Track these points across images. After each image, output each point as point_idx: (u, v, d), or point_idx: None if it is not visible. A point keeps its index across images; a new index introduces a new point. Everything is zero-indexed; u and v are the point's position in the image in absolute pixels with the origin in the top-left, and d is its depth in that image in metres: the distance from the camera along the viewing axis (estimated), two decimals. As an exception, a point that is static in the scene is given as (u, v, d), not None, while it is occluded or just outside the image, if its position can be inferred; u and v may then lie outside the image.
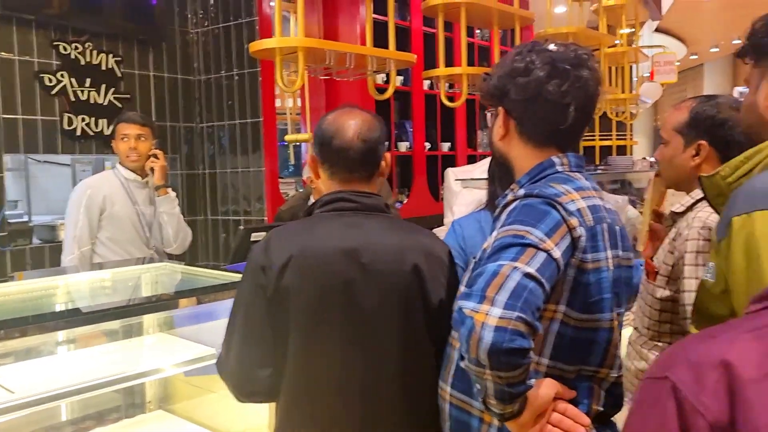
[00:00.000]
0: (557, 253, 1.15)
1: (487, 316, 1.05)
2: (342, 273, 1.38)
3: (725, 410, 0.54)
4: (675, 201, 1.82)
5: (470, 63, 4.44)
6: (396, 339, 1.39)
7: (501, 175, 1.62)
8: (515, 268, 1.09)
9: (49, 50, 3.93)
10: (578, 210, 1.22)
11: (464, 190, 3.21)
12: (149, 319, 2.34)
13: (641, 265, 1.78)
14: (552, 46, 1.34)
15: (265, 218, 4.32)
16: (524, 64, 1.30)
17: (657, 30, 11.67)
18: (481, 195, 3.06)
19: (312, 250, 1.39)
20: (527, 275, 1.09)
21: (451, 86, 4.78)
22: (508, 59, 1.35)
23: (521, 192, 1.26)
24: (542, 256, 1.13)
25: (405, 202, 5.30)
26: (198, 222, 4.65)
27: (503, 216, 1.23)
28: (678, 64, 11.10)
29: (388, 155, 1.53)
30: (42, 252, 3.96)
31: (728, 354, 0.57)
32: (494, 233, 1.21)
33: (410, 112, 5.33)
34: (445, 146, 5.71)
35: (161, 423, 2.35)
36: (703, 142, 1.69)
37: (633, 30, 5.85)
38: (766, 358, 0.55)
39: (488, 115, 1.45)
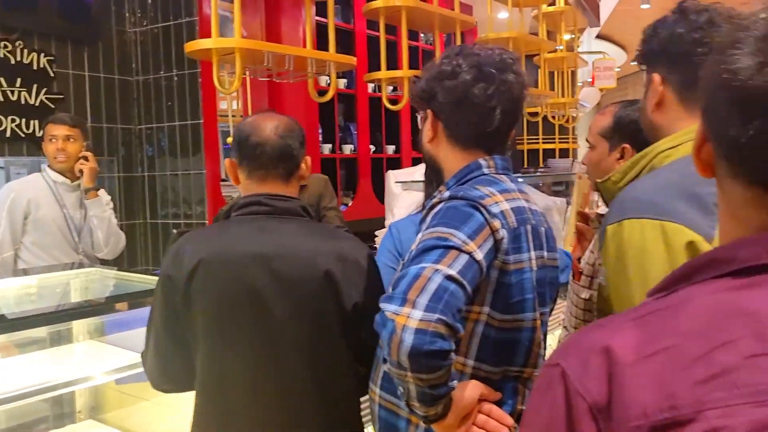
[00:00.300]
0: (479, 255, 1.16)
1: (407, 318, 1.06)
2: (251, 278, 1.36)
3: (604, 393, 0.57)
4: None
5: (414, 66, 4.47)
6: (308, 344, 1.39)
7: (432, 178, 1.65)
8: (437, 270, 1.10)
9: (-24, 48, 3.77)
10: (501, 212, 1.24)
11: (405, 192, 3.23)
12: (78, 326, 2.27)
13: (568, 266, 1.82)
14: (479, 50, 1.36)
15: (206, 222, 4.25)
16: (451, 67, 1.32)
17: (598, 37, 11.99)
18: (421, 197, 3.08)
19: (221, 255, 1.39)
20: (448, 277, 1.10)
21: (395, 89, 4.80)
22: (436, 62, 1.37)
23: (446, 194, 1.26)
24: (465, 258, 1.14)
25: (350, 204, 5.29)
26: (137, 226, 4.54)
27: (429, 218, 1.24)
28: (619, 69, 11.43)
29: (308, 159, 1.54)
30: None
31: (610, 340, 0.59)
32: (419, 235, 1.21)
33: (355, 115, 5.33)
34: (390, 149, 5.73)
35: (91, 433, 2.29)
36: (626, 145, 1.73)
37: (573, 36, 5.99)
38: (643, 343, 0.58)
39: (419, 117, 1.46)
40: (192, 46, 2.75)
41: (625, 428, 0.55)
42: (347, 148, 5.26)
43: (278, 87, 4.65)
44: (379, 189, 5.57)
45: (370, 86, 5.37)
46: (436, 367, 1.08)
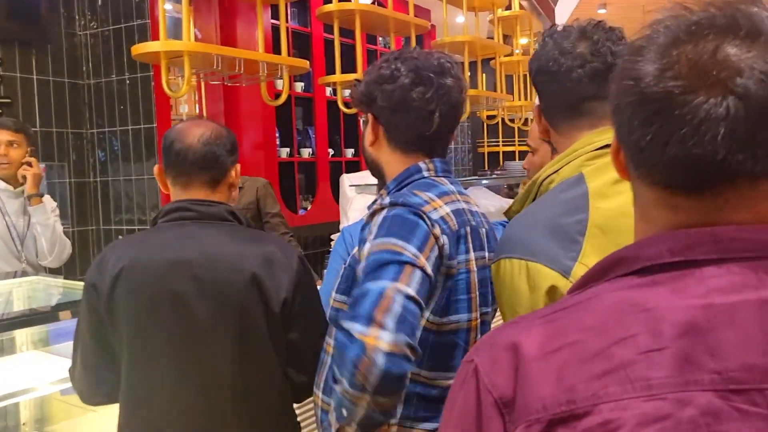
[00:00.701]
0: (429, 269, 1.18)
1: (377, 340, 1.05)
2: (171, 285, 1.36)
3: (510, 386, 0.59)
4: None
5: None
6: (233, 349, 1.38)
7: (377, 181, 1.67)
8: (398, 290, 1.11)
9: None
10: (441, 218, 1.26)
11: (358, 195, 3.23)
12: (22, 336, 2.21)
13: None
14: (417, 54, 1.37)
15: (161, 227, 4.17)
16: (390, 71, 1.33)
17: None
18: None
19: (142, 261, 1.38)
20: (408, 297, 1.11)
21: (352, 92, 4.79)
22: (376, 66, 1.38)
23: (387, 201, 1.27)
24: (419, 274, 1.16)
25: (309, 208, 5.27)
26: (90, 232, 4.45)
27: (374, 227, 1.24)
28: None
29: (238, 166, 1.52)
30: None
31: (519, 337, 0.61)
32: (368, 245, 1.21)
33: (313, 118, 5.31)
34: (349, 152, 5.73)
35: (37, 446, 2.23)
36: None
37: (529, 40, 6.07)
38: (549, 339, 0.60)
39: (361, 121, 1.48)
40: (139, 49, 2.71)
41: (525, 421, 0.56)
42: (305, 152, 5.23)
43: (234, 91, 4.60)
44: (338, 193, 5.56)
45: (328, 89, 5.36)
46: (399, 390, 1.09)
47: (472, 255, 1.31)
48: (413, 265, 1.15)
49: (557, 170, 1.12)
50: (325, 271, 2.14)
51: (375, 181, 3.45)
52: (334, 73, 4.34)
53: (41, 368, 2.08)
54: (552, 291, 0.98)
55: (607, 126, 1.06)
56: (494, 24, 5.16)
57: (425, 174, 1.35)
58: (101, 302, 1.38)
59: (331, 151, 5.49)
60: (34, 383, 1.94)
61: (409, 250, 1.16)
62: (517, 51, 5.69)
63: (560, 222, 1.02)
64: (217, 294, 1.36)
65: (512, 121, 5.98)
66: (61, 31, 4.31)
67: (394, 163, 1.37)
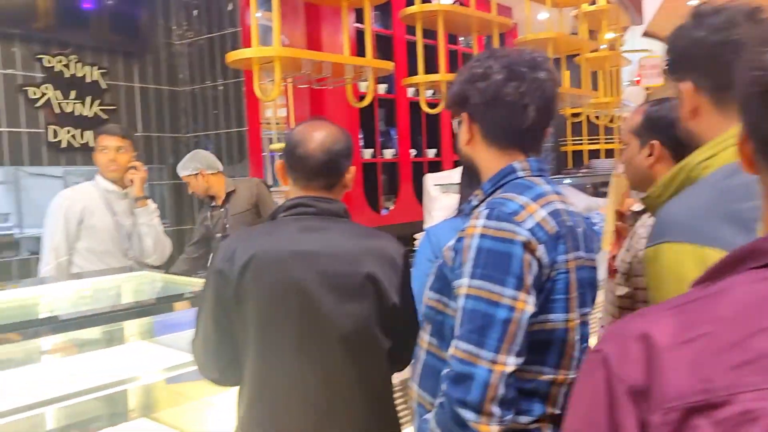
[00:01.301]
0: (530, 306, 1.21)
1: (489, 427, 1.17)
2: (298, 274, 1.45)
3: (643, 375, 0.60)
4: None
5: (454, 70, 4.48)
6: (351, 339, 1.47)
7: (470, 180, 1.71)
8: (502, 374, 1.17)
9: (32, 63, 3.97)
10: (537, 224, 1.25)
11: (443, 194, 3.25)
12: (129, 328, 2.36)
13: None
14: (509, 52, 1.39)
15: (251, 227, 4.35)
16: (483, 69, 1.35)
17: (645, 34, 11.75)
18: (458, 199, 3.10)
19: (269, 252, 1.47)
20: (511, 374, 1.18)
21: (434, 93, 4.82)
22: (468, 66, 1.40)
23: (484, 210, 1.27)
24: (523, 324, 1.20)
25: (391, 208, 5.33)
26: (185, 231, 4.68)
27: (467, 251, 1.24)
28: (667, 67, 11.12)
29: (353, 168, 1.61)
30: (28, 264, 3.98)
31: (649, 327, 0.62)
32: (465, 279, 1.23)
33: (395, 120, 5.38)
34: (431, 152, 5.75)
35: (144, 431, 2.37)
36: (655, 141, 1.72)
37: (616, 35, 5.91)
38: (681, 330, 0.61)
39: (455, 122, 1.50)
40: (233, 56, 2.84)
41: (662, 409, 0.57)
42: (388, 153, 5.30)
43: (320, 94, 4.73)
44: (420, 193, 5.59)
45: (410, 90, 5.41)
46: None
47: (570, 255, 1.30)
48: (512, 317, 1.19)
49: (712, 155, 1.11)
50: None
51: (459, 180, 3.44)
52: (416, 74, 4.40)
53: (148, 357, 2.21)
54: None
55: None
56: (579, 19, 5.06)
57: (520, 174, 1.35)
58: (228, 288, 1.46)
59: (413, 152, 5.53)
60: (142, 372, 2.06)
61: (506, 295, 1.19)
62: (603, 46, 5.55)
63: (735, 208, 0.98)
64: (337, 285, 1.46)
65: (597, 118, 5.84)
66: (159, 42, 4.57)
67: (489, 161, 1.39)
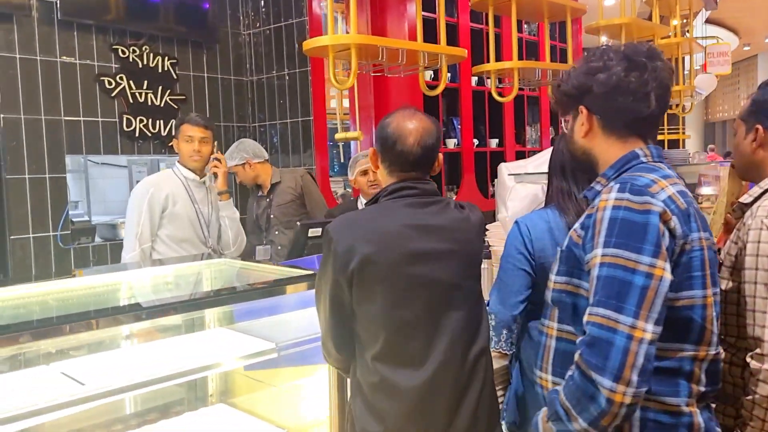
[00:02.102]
0: (668, 273, 1.22)
1: (624, 396, 1.16)
2: (417, 246, 1.59)
3: None
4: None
5: (519, 57, 4.39)
6: (468, 310, 1.64)
7: (579, 173, 1.79)
8: (641, 340, 1.17)
9: (108, 54, 4.05)
10: (669, 197, 1.28)
11: (518, 185, 3.17)
12: (210, 314, 2.38)
13: None
14: (620, 46, 1.44)
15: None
16: (602, 62, 1.40)
17: (708, 21, 11.35)
18: (535, 189, 3.03)
19: (389, 229, 1.60)
20: (651, 342, 1.18)
21: (499, 81, 4.74)
22: (582, 63, 1.44)
23: (614, 184, 1.30)
24: (661, 291, 1.20)
25: (454, 198, 5.27)
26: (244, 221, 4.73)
27: (601, 223, 1.26)
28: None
29: (440, 156, 1.73)
30: (104, 250, 4.09)
31: None
32: (599, 250, 1.25)
33: (458, 109, 5.31)
34: (494, 142, 5.67)
35: (223, 416, 2.39)
36: (758, 125, 1.70)
37: (687, 20, 5.70)
38: None
39: (563, 122, 1.55)
40: (309, 44, 2.83)
41: None
42: (451, 143, 5.24)
43: (384, 84, 4.70)
44: (483, 183, 5.52)
45: (474, 79, 5.33)
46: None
47: (702, 234, 1.31)
48: (650, 284, 1.19)
49: None
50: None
51: (534, 170, 3.36)
52: (480, 62, 4.32)
53: (227, 344, 2.23)
54: None
55: None
56: (651, 4, 4.89)
57: (643, 159, 1.38)
58: (353, 268, 1.56)
59: (475, 142, 5.46)
60: (221, 359, 2.08)
61: (643, 262, 1.20)
62: (669, 33, 5.36)
63: None
64: (453, 254, 1.62)
65: (669, 107, 5.63)
66: (227, 32, 4.61)
67: (609, 150, 1.41)
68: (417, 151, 1.63)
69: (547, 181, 2.05)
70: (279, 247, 3.58)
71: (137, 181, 5.17)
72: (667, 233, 1.24)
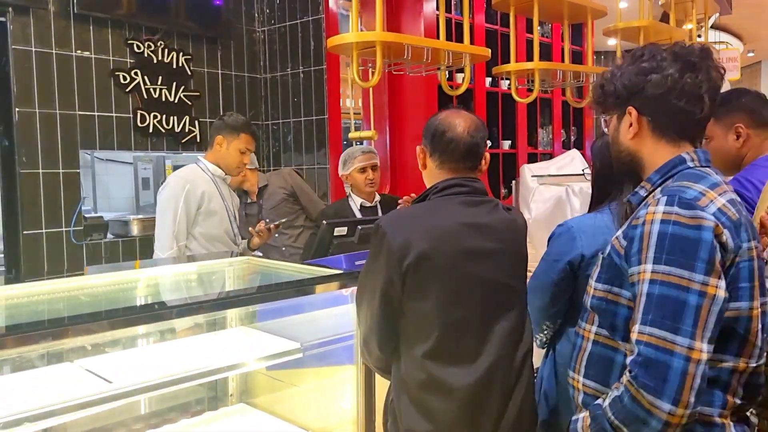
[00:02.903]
0: (722, 290, 1.20)
1: (681, 419, 1.16)
2: (471, 244, 1.59)
3: None
4: None
5: (530, 58, 4.36)
6: (515, 301, 1.65)
7: (621, 176, 1.71)
8: (699, 362, 1.16)
9: (123, 49, 4.01)
10: (719, 209, 1.24)
11: (541, 186, 3.16)
12: (232, 313, 2.35)
13: None
14: (669, 45, 1.40)
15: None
16: (654, 62, 1.35)
17: (713, 27, 11.34)
18: (559, 191, 3.01)
19: (444, 226, 1.59)
20: (706, 362, 1.17)
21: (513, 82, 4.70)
22: (632, 62, 1.39)
23: (662, 196, 1.26)
24: (715, 310, 1.18)
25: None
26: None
27: (648, 238, 1.23)
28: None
29: (487, 154, 1.74)
30: (116, 246, 4.04)
31: None
32: (649, 266, 1.22)
33: (472, 110, 5.26)
34: (506, 144, 5.64)
35: (243, 416, 2.37)
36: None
37: (701, 24, 5.67)
38: None
39: (604, 121, 1.50)
40: (334, 41, 2.80)
41: None
42: (464, 143, 5.20)
43: (398, 84, 4.67)
44: (495, 184, 5.50)
45: (488, 80, 5.30)
46: None
47: (752, 243, 1.28)
48: (703, 303, 1.17)
49: None
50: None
51: (556, 171, 3.34)
52: (495, 63, 4.29)
53: (249, 344, 2.20)
54: None
55: None
56: (669, 8, 4.86)
57: (690, 165, 1.34)
58: (409, 265, 1.54)
59: (488, 143, 5.43)
60: (243, 359, 2.04)
61: (696, 280, 1.17)
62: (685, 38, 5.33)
63: None
64: (505, 254, 1.63)
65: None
66: (242, 28, 4.58)
67: (658, 153, 1.38)
68: (467, 140, 1.65)
69: (571, 183, 2.05)
70: (283, 248, 3.54)
71: (143, 178, 5.17)
72: (719, 248, 1.21)
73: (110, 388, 1.71)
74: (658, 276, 1.20)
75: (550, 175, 3.09)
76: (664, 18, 5.30)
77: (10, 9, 3.56)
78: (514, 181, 3.58)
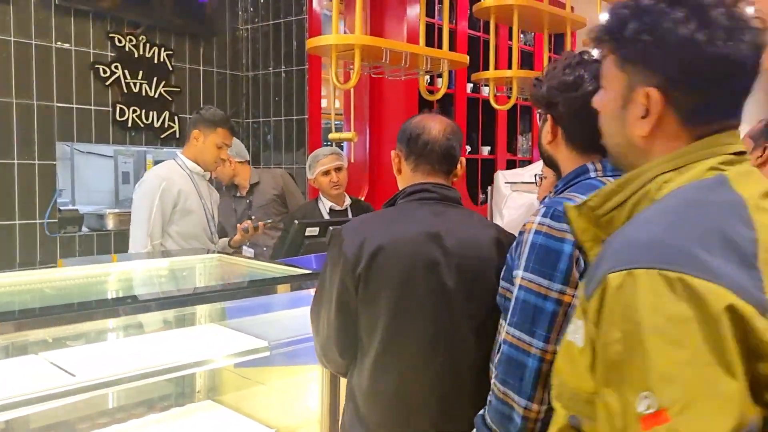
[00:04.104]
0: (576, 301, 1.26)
1: (537, 414, 1.25)
2: (427, 254, 1.53)
3: None
4: None
5: (510, 66, 4.41)
6: (477, 318, 1.55)
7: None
8: (551, 362, 1.21)
9: (104, 42, 4.00)
10: None
11: (514, 193, 3.20)
12: (202, 310, 2.35)
13: None
14: (598, 58, 1.39)
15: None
16: (573, 77, 1.40)
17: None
18: (531, 198, 3.05)
19: (401, 234, 1.56)
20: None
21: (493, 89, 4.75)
22: (558, 71, 1.43)
23: (542, 207, 1.34)
24: (569, 318, 1.21)
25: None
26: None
27: (525, 245, 1.31)
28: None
29: (463, 159, 1.69)
30: (91, 239, 4.03)
31: None
32: (520, 272, 1.30)
33: (453, 115, 5.32)
34: (485, 150, 5.69)
35: (210, 413, 2.37)
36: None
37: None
38: None
39: (538, 115, 1.55)
40: (312, 43, 2.82)
41: None
42: (444, 148, 5.24)
43: (379, 86, 4.70)
44: (473, 190, 5.54)
45: (469, 86, 5.34)
46: None
47: None
48: (557, 310, 1.25)
49: (672, 170, 0.91)
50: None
51: (530, 179, 3.39)
52: (477, 69, 4.33)
53: (217, 341, 2.20)
54: (737, 327, 0.72)
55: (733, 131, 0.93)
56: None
57: (592, 175, 1.39)
58: (360, 269, 1.52)
59: (467, 148, 5.47)
60: (211, 355, 2.05)
61: (554, 289, 1.26)
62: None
63: (730, 235, 0.79)
64: (462, 266, 1.54)
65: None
66: (225, 26, 4.58)
67: (569, 161, 1.43)
68: (443, 142, 1.61)
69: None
70: (264, 249, 3.54)
71: (123, 172, 5.15)
72: (582, 260, 1.27)
73: (73, 381, 1.71)
74: (525, 282, 1.29)
75: (522, 182, 3.13)
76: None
77: (-10, -2, 3.54)
78: (489, 187, 3.62)
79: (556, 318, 1.25)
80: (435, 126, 1.63)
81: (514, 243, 1.37)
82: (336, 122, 4.93)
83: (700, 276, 0.74)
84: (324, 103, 4.84)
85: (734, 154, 0.91)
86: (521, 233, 1.35)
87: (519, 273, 1.30)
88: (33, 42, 3.72)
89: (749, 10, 0.91)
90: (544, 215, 1.30)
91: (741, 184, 0.87)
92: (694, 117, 0.92)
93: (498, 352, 1.40)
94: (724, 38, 0.87)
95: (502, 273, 1.44)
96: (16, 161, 3.68)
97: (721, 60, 0.87)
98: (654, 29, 0.90)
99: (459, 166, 1.66)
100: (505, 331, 1.29)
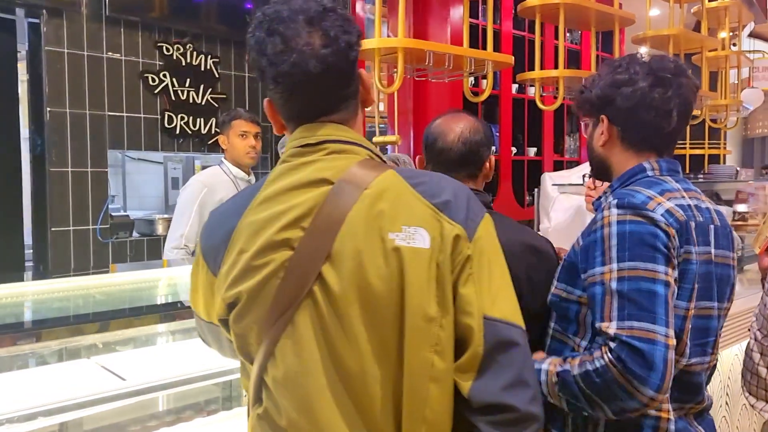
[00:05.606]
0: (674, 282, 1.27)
1: (660, 404, 1.27)
2: None
3: None
4: None
5: (556, 66, 4.32)
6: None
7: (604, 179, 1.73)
8: (671, 348, 1.20)
9: (152, 51, 4.09)
10: (667, 210, 1.30)
11: (561, 195, 3.13)
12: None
13: None
14: (647, 59, 1.45)
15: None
16: (627, 75, 1.42)
17: (750, 35, 11.12)
18: (579, 201, 2.97)
19: None
20: (675, 347, 1.22)
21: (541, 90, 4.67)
22: (608, 72, 1.45)
23: (612, 200, 1.32)
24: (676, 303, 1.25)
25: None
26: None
27: (608, 240, 1.27)
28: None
29: (492, 158, 1.63)
30: (141, 245, 4.12)
31: None
32: (615, 265, 1.26)
33: (497, 116, 5.25)
34: (532, 151, 5.60)
35: (257, 417, 2.38)
36: None
37: (733, 33, 5.57)
38: None
39: (583, 124, 1.56)
40: (356, 47, 2.81)
41: None
42: (489, 150, 5.18)
43: (424, 89, 4.67)
44: (520, 192, 5.46)
45: (514, 87, 5.27)
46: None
47: (699, 249, 1.33)
48: (668, 294, 1.23)
49: None
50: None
51: (578, 180, 3.31)
52: (522, 70, 4.26)
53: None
54: None
55: None
56: (700, 16, 4.79)
57: (649, 173, 1.41)
58: None
59: (513, 150, 5.40)
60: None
61: (660, 272, 1.23)
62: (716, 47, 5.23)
63: None
64: None
65: (714, 121, 5.51)
66: (269, 32, 4.62)
67: (624, 162, 1.44)
68: (459, 148, 1.54)
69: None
70: None
71: (172, 178, 5.25)
72: (675, 241, 1.28)
73: (124, 385, 1.74)
74: (626, 273, 1.24)
75: (570, 184, 3.06)
76: (697, 27, 5.22)
77: (44, 11, 3.66)
78: (536, 190, 3.55)
79: (669, 301, 1.23)
80: (453, 130, 1.56)
81: (583, 243, 1.33)
82: (380, 125, 4.93)
83: None
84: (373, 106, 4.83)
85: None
86: (592, 231, 1.31)
87: (612, 266, 1.25)
88: (85, 53, 3.83)
89: None
90: (620, 206, 1.29)
91: None
92: None
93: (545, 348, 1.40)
94: None
95: (557, 274, 1.41)
96: (70, 169, 3.79)
97: None
98: None
99: (487, 164, 1.60)
100: (617, 327, 1.21)
